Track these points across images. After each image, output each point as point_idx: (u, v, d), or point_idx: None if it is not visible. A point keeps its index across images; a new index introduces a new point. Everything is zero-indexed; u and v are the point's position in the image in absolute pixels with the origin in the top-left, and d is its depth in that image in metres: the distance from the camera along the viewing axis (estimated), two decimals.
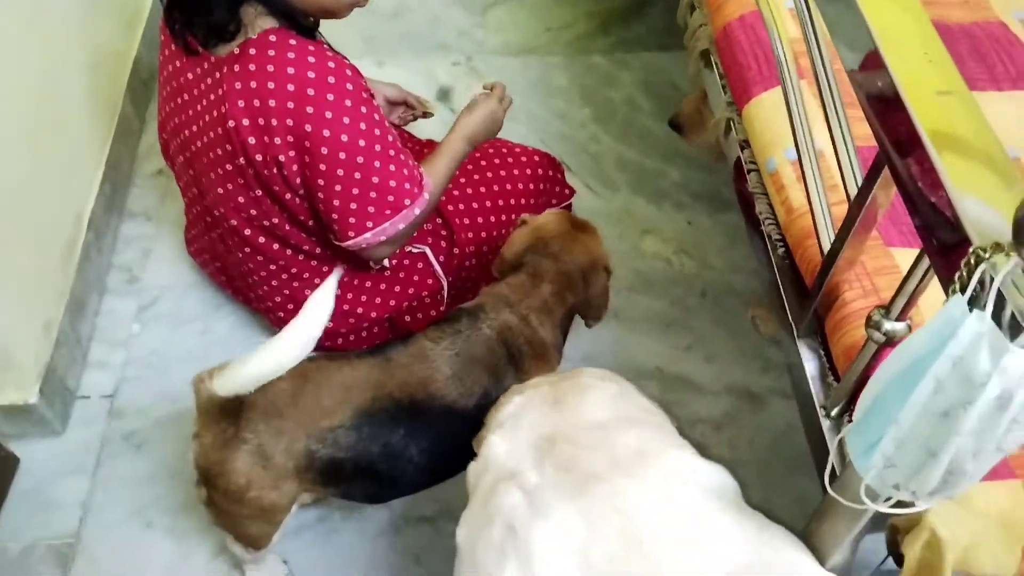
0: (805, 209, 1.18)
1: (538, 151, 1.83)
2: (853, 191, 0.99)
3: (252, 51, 1.30)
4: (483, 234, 1.70)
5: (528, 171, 1.76)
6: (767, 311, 1.83)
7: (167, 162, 1.70)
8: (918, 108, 0.78)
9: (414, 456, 1.30)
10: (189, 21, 1.35)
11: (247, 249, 1.57)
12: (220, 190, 1.48)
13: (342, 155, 1.34)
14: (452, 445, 1.26)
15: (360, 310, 1.64)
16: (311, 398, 1.24)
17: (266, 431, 1.21)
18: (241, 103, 1.32)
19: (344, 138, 1.33)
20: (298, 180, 1.39)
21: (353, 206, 1.39)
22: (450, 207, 1.67)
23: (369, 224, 1.41)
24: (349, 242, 1.43)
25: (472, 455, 1.13)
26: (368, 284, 1.64)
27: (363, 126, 1.34)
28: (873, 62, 0.89)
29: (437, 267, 1.67)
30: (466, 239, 1.68)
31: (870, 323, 0.92)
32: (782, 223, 1.24)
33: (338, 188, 1.37)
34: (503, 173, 1.74)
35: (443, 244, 1.67)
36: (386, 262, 1.59)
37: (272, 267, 1.59)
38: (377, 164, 1.37)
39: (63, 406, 1.66)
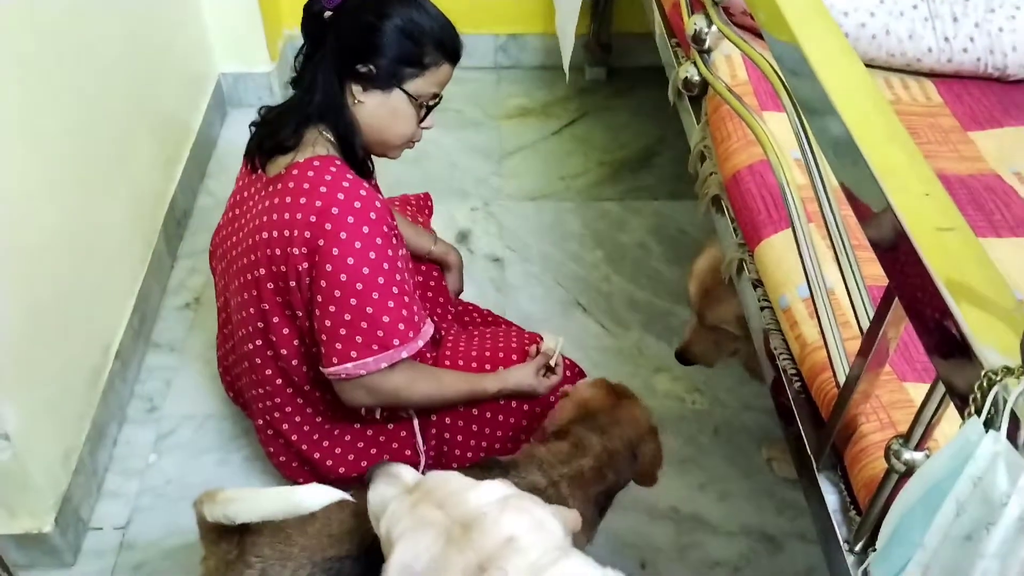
0: (819, 344, 1.22)
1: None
2: (866, 325, 1.03)
3: (295, 172, 1.41)
4: (473, 442, 1.65)
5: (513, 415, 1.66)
6: (782, 452, 1.83)
7: (213, 274, 1.74)
8: (921, 243, 0.83)
9: None
10: (262, 138, 1.48)
11: (246, 364, 1.59)
12: (238, 298, 1.54)
13: (343, 276, 1.38)
14: None
15: (329, 463, 1.60)
16: (320, 525, 1.24)
17: (272, 555, 1.21)
18: (275, 216, 1.41)
19: (350, 260, 1.37)
20: (308, 297, 1.42)
21: (342, 331, 1.40)
22: (447, 419, 1.63)
23: (353, 354, 1.41)
24: (331, 369, 1.43)
25: None
26: (347, 438, 1.61)
27: (372, 255, 1.39)
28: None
29: (420, 441, 1.62)
30: (456, 442, 1.64)
31: (890, 452, 0.94)
32: (797, 358, 1.27)
33: (332, 309, 1.40)
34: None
35: (433, 430, 1.63)
36: (377, 413, 1.58)
37: (260, 390, 1.59)
38: (375, 295, 1.39)
39: (75, 537, 1.65)
